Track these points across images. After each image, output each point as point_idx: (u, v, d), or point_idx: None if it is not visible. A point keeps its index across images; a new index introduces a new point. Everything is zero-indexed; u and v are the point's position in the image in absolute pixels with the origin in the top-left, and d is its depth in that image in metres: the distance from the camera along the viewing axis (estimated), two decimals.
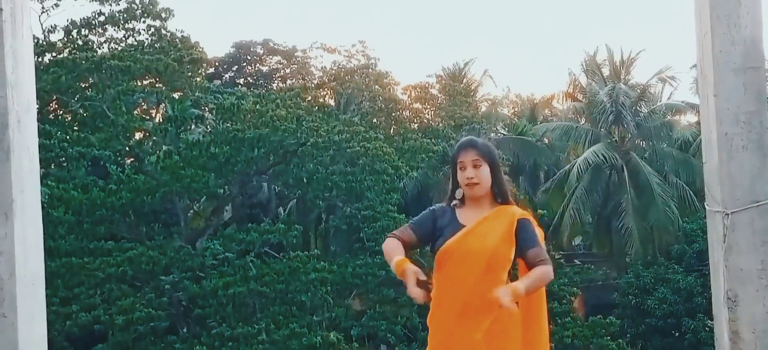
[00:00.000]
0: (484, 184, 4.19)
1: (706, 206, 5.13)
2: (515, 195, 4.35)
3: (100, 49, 25.11)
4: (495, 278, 4.11)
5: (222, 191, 24.37)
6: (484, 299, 4.04)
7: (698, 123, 28.93)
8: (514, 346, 4.17)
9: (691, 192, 29.15)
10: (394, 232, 4.24)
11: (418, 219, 4.27)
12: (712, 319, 5.23)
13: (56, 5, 24.85)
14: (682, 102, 34.57)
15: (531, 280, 4.05)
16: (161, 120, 26.98)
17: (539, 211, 31.61)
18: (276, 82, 37.63)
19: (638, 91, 33.01)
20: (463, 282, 4.10)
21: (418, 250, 5.02)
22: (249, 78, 39.30)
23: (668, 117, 33.83)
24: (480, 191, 4.20)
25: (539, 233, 4.25)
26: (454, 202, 4.27)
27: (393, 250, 4.12)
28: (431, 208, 4.32)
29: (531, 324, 4.30)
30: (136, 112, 26.80)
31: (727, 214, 4.83)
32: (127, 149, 24.92)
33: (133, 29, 25.60)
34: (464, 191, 4.23)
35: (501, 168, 4.28)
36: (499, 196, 4.24)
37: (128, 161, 25.38)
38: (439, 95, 32.14)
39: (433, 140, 27.00)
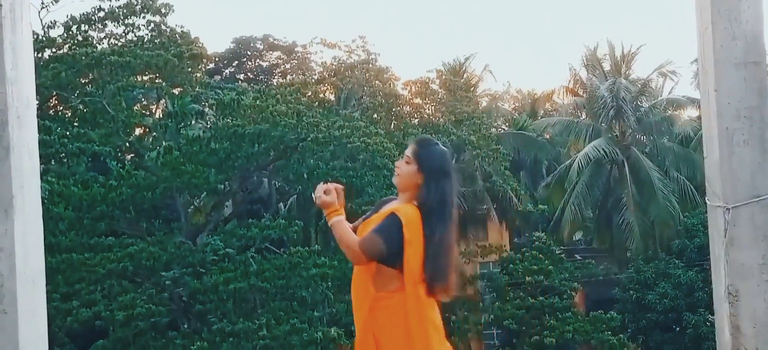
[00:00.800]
0: (402, 179, 4.34)
1: (706, 201, 5.13)
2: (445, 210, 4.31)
3: (99, 44, 25.07)
4: (366, 270, 4.32)
5: (222, 186, 24.37)
6: (360, 288, 4.37)
7: (699, 118, 28.90)
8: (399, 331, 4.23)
9: (691, 187, 29.17)
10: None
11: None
12: (712, 314, 5.24)
13: (56, 1, 24.82)
14: (683, 97, 34.57)
15: (342, 229, 4.33)
16: (161, 116, 27.00)
17: (540, 206, 31.74)
18: (276, 77, 37.64)
19: (639, 86, 33.00)
20: (355, 277, 4.47)
21: None
22: (249, 74, 39.32)
23: (669, 112, 33.85)
24: (397, 182, 4.37)
25: (404, 231, 4.22)
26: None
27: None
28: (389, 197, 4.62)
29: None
30: (136, 108, 26.82)
31: (728, 209, 4.83)
32: (127, 145, 24.91)
33: (132, 25, 25.55)
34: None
35: (438, 180, 4.29)
36: (417, 199, 4.30)
37: (128, 157, 25.38)
38: (440, 91, 32.08)
39: (433, 135, 27.00)
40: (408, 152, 4.37)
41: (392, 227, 4.15)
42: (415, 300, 4.15)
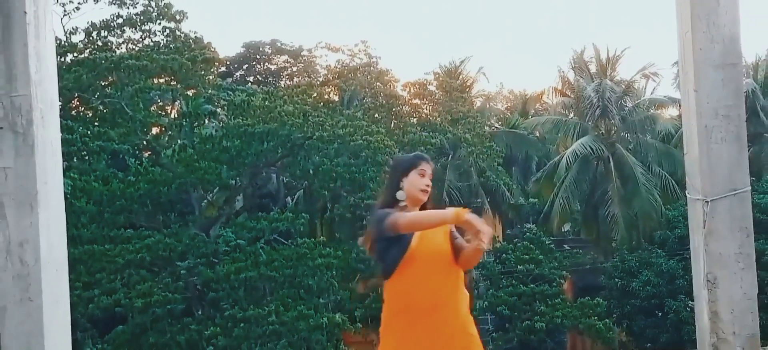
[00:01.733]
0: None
1: (687, 195, 5.13)
2: None
3: (118, 49, 25.03)
4: (457, 271, 4.20)
5: (234, 182, 24.36)
6: (451, 292, 4.15)
7: (680, 116, 28.82)
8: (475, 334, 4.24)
9: (673, 181, 29.12)
10: (395, 216, 4.09)
11: (391, 212, 4.17)
12: (693, 300, 5.24)
13: (77, 8, 24.78)
14: (665, 97, 34.53)
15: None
16: (176, 116, 26.96)
17: (531, 199, 31.69)
18: (284, 80, 37.56)
19: (623, 86, 32.94)
20: (431, 280, 4.12)
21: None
22: (258, 76, 39.23)
23: (651, 111, 33.80)
24: (426, 198, 4.28)
25: None
26: (401, 204, 4.26)
27: (427, 212, 4.16)
28: (385, 211, 4.20)
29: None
30: (152, 108, 26.76)
31: (707, 202, 4.83)
32: (144, 143, 24.89)
33: (149, 31, 25.52)
34: (416, 196, 4.27)
35: None
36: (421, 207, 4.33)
37: (146, 155, 25.35)
38: (437, 92, 32.03)
39: (431, 133, 26.95)
40: (430, 169, 4.35)
41: None
42: None
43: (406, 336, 4.13)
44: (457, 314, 4.17)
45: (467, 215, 3.94)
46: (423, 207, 4.28)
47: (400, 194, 4.26)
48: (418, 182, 4.26)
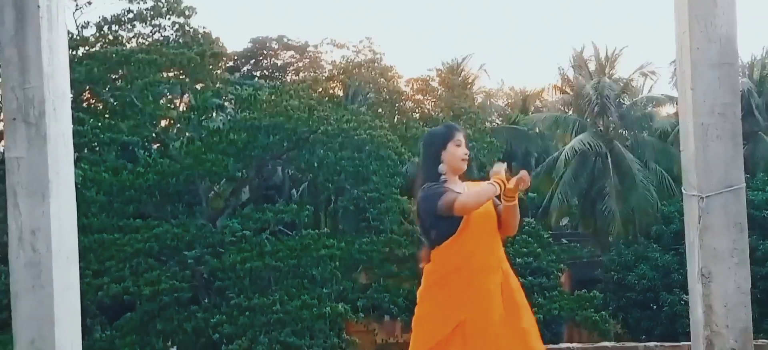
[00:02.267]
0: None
1: (683, 191, 5.13)
2: None
3: (129, 43, 25.03)
4: (500, 239, 4.36)
5: (240, 174, 24.36)
6: (502, 259, 4.33)
7: (677, 114, 28.78)
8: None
9: (669, 178, 29.06)
10: (450, 198, 4.18)
11: (448, 189, 4.26)
12: (687, 294, 5.24)
13: (89, 3, 24.78)
14: (662, 95, 34.40)
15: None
16: (185, 109, 26.95)
17: (530, 194, 31.64)
18: (290, 74, 37.50)
19: (621, 84, 32.87)
20: (483, 241, 4.23)
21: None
22: (265, 71, 39.16)
23: (649, 109, 33.71)
24: (465, 167, 4.37)
25: None
26: (443, 177, 4.31)
27: (477, 192, 4.22)
28: (437, 184, 4.28)
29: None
30: (161, 101, 26.75)
31: (703, 198, 4.83)
32: (153, 135, 24.89)
33: (159, 26, 25.52)
34: (458, 166, 4.33)
35: None
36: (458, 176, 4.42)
37: (155, 147, 25.36)
38: (439, 88, 31.99)
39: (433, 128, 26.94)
40: (465, 137, 4.43)
41: None
42: None
43: (459, 294, 4.20)
44: (508, 278, 4.31)
45: (509, 183, 4.13)
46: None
47: (441, 168, 4.31)
48: (457, 152, 4.32)
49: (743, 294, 4.85)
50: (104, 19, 24.64)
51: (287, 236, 22.71)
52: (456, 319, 4.15)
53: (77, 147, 21.28)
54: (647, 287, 25.48)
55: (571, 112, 34.30)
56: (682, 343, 6.58)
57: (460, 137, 4.36)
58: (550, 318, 24.49)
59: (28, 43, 4.78)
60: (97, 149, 23.28)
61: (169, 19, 25.32)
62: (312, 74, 31.19)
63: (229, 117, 25.72)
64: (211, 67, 26.11)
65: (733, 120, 4.85)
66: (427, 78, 32.25)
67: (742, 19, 4.88)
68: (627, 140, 31.83)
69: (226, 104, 26.88)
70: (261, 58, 39.84)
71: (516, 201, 4.22)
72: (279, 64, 39.58)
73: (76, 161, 18.99)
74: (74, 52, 23.05)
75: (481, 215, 4.21)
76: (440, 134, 4.45)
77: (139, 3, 24.82)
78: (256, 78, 34.89)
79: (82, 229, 18.21)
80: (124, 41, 24.93)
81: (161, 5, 24.94)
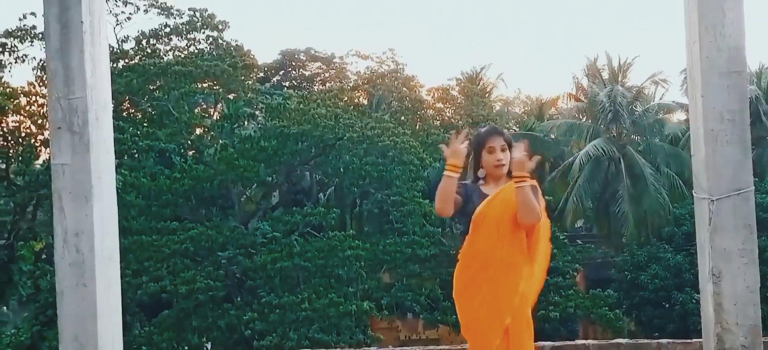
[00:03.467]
0: (507, 166, 4.27)
1: (694, 194, 5.08)
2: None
3: (166, 56, 25.23)
4: (519, 233, 4.22)
5: (270, 179, 24.46)
6: (511, 250, 4.20)
7: (687, 120, 28.57)
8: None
9: (680, 181, 28.80)
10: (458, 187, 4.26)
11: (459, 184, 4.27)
12: (698, 293, 5.19)
13: (128, 19, 25.03)
14: (673, 102, 34.14)
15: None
16: (218, 118, 27.13)
17: (546, 198, 31.42)
18: (317, 84, 37.62)
19: (634, 92, 32.64)
20: (493, 237, 4.17)
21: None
22: (294, 81, 39.32)
23: (660, 115, 33.43)
24: (504, 171, 4.27)
25: (541, 201, 4.30)
26: (479, 181, 4.31)
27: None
28: (462, 182, 4.30)
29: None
30: (196, 111, 26.96)
31: (713, 200, 4.79)
32: (189, 142, 25.08)
33: (194, 39, 25.71)
34: (491, 173, 4.29)
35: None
36: (509, 173, 4.29)
37: (190, 153, 25.53)
38: (459, 96, 31.95)
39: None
40: (501, 142, 4.29)
41: None
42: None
43: (483, 293, 4.22)
44: (518, 281, 4.26)
45: (513, 168, 4.08)
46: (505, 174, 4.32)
47: (480, 172, 4.33)
48: (489, 159, 4.29)
49: (752, 293, 4.80)
50: (143, 33, 24.89)
51: (315, 237, 22.75)
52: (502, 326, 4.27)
53: (118, 154, 21.46)
54: (659, 286, 25.26)
55: (585, 119, 34.09)
56: (693, 340, 6.52)
57: (493, 143, 4.27)
58: (566, 315, 24.35)
59: (72, 56, 4.83)
60: (137, 155, 23.47)
61: (204, 33, 25.51)
62: (338, 84, 31.26)
63: (259, 125, 25.84)
64: (242, 78, 26.26)
65: (742, 126, 4.80)
66: (448, 87, 32.23)
67: (749, 29, 4.84)
68: (639, 145, 31.59)
69: (257, 112, 27.01)
70: (290, 69, 40.01)
71: (524, 185, 4.07)
72: (307, 75, 39.72)
73: (117, 167, 19.15)
74: (115, 65, 23.29)
75: (495, 215, 4.17)
76: (475, 139, 4.39)
77: (175, 18, 25.04)
78: (285, 88, 35.01)
79: (123, 231, 18.38)
80: (161, 54, 25.14)
81: (196, 20, 25.14)
